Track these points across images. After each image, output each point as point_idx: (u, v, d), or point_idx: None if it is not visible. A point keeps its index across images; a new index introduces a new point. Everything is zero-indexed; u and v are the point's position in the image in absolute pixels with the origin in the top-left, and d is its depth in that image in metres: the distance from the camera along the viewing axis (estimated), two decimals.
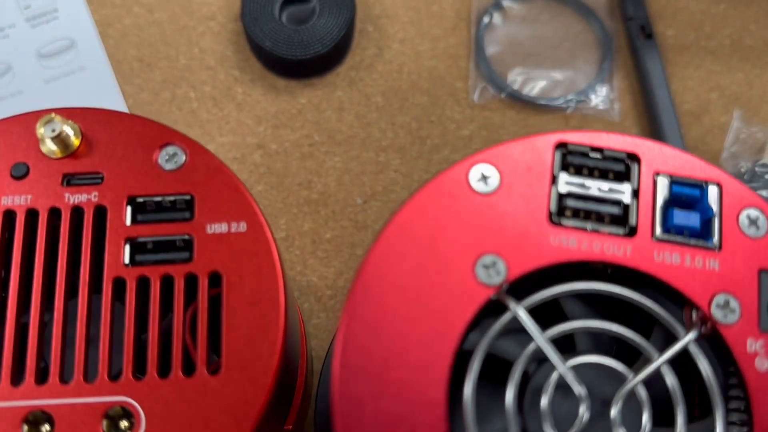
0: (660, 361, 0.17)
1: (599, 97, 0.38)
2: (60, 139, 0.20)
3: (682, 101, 0.39)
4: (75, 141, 0.21)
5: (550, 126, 0.38)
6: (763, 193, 0.35)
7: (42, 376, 0.19)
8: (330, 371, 0.27)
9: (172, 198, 0.20)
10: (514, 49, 0.39)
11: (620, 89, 0.39)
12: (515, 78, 0.39)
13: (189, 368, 0.19)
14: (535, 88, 0.39)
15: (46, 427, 0.19)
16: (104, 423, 0.18)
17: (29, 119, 0.21)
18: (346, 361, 0.17)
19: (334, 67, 0.39)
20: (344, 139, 0.38)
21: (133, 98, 0.38)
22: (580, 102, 0.38)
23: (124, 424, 0.19)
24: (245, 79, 0.39)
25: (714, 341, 0.17)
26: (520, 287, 0.18)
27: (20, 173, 0.21)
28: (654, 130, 0.37)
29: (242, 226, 0.20)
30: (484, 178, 0.18)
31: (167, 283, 0.20)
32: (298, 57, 0.37)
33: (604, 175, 0.18)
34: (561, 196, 0.18)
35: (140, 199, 0.20)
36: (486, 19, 0.40)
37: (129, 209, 0.20)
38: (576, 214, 0.18)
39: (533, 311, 0.17)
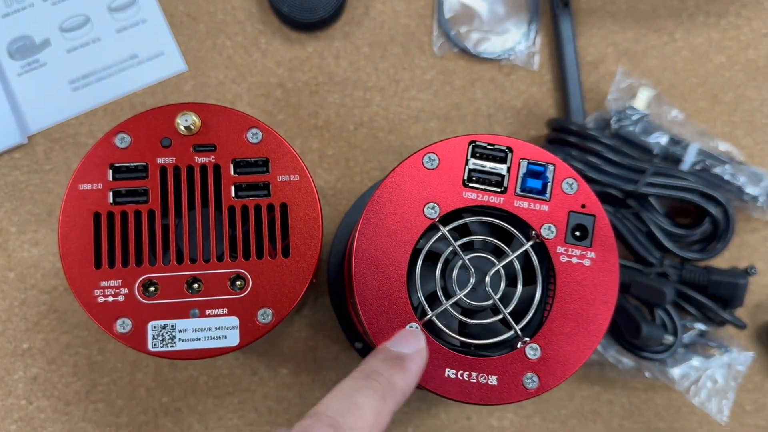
0: (512, 256, 0.34)
1: (524, 52, 0.53)
2: (189, 125, 0.35)
3: (585, 54, 0.54)
4: (198, 125, 0.36)
5: (488, 73, 0.53)
6: (630, 128, 0.50)
7: (192, 259, 0.35)
8: (339, 249, 0.44)
9: (256, 159, 0.36)
10: (466, 11, 0.53)
11: (541, 45, 0.53)
12: (465, 35, 0.53)
13: (272, 254, 0.36)
14: (479, 43, 0.53)
15: (197, 285, 0.35)
16: (228, 282, 0.35)
17: (168, 111, 0.36)
18: (358, 255, 0.34)
19: (332, 23, 0.52)
20: (340, 80, 0.52)
21: (184, 46, 0.51)
22: (511, 55, 0.53)
23: (239, 283, 0.36)
24: (267, 32, 0.52)
25: (541, 248, 0.35)
26: (446, 219, 0.34)
27: (167, 144, 0.36)
28: (561, 77, 0.52)
29: (296, 177, 0.36)
30: (431, 160, 0.34)
31: (257, 208, 0.36)
32: (308, 19, 0.50)
33: (493, 159, 0.34)
34: (470, 171, 0.34)
35: (239, 161, 0.36)
36: None
37: (232, 166, 0.36)
38: (477, 180, 0.34)
39: (455, 230, 0.34)
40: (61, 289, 0.48)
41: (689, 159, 0.50)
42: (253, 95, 0.51)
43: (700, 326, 0.49)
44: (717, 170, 0.50)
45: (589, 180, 0.48)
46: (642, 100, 0.50)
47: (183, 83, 0.51)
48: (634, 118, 0.50)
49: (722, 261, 0.52)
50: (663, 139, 0.50)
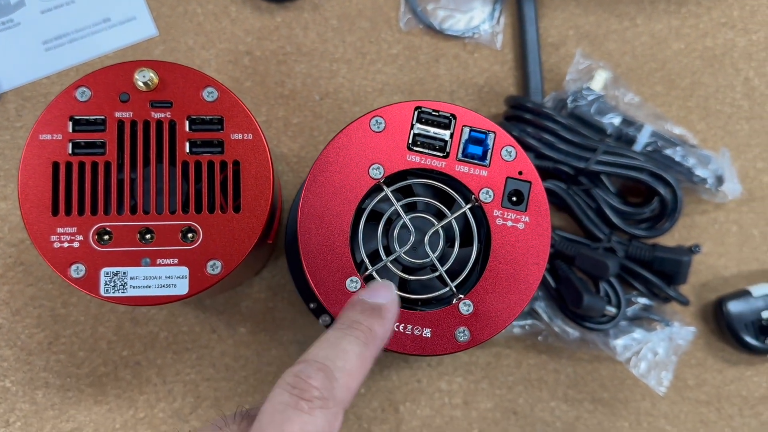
0: (450, 217, 0.36)
1: (488, 31, 0.54)
2: (146, 81, 0.37)
3: (547, 35, 0.55)
4: (155, 82, 0.37)
5: (452, 50, 0.54)
6: (585, 108, 0.52)
7: (145, 210, 0.37)
8: (296, 213, 0.46)
9: (211, 117, 0.37)
10: None
11: (504, 25, 0.55)
12: (431, 12, 0.54)
13: (223, 209, 0.37)
14: (445, 20, 0.54)
15: (149, 236, 0.37)
16: (180, 234, 0.37)
17: (127, 67, 0.37)
18: (304, 210, 0.35)
19: None
20: (308, 51, 0.53)
21: (156, 11, 0.52)
22: (475, 33, 0.54)
23: (190, 236, 0.37)
24: (237, 0, 0.53)
25: (479, 211, 0.36)
26: (390, 181, 0.36)
27: (125, 99, 0.37)
28: (522, 57, 0.54)
29: (250, 136, 0.38)
30: (377, 123, 0.36)
31: (210, 164, 0.37)
32: None
33: (437, 125, 0.36)
34: (414, 135, 0.36)
35: (194, 118, 0.37)
36: None
37: (188, 123, 0.37)
38: (421, 144, 0.36)
39: (399, 191, 0.36)
40: (27, 243, 0.50)
41: (642, 140, 0.52)
42: (222, 62, 0.52)
43: (644, 301, 0.51)
44: (668, 152, 0.52)
45: (543, 157, 0.50)
46: (598, 82, 0.52)
47: (153, 47, 0.52)
48: (590, 98, 0.51)
49: (671, 240, 0.54)
50: (616, 120, 0.52)
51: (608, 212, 0.50)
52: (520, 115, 0.50)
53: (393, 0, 0.54)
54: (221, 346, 0.50)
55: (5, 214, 0.50)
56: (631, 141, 0.52)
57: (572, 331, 0.50)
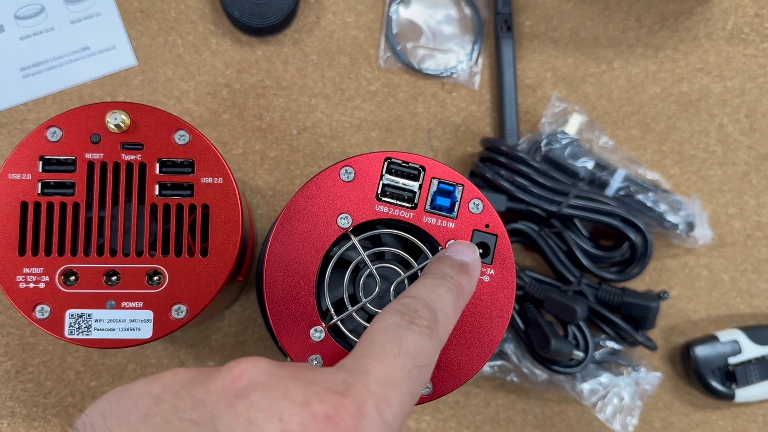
0: (417, 267, 0.36)
1: (466, 71, 0.55)
2: (118, 123, 0.37)
3: (525, 77, 0.56)
4: (127, 124, 0.37)
5: (431, 89, 0.55)
6: (559, 151, 0.53)
7: (112, 251, 0.37)
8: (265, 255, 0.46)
9: (182, 160, 0.37)
10: (413, 28, 0.55)
11: (483, 66, 0.55)
12: (411, 51, 0.55)
13: (190, 252, 0.37)
14: (424, 60, 0.55)
15: (115, 278, 0.37)
16: (146, 277, 0.37)
17: (100, 108, 0.37)
18: (270, 258, 0.35)
19: (283, 29, 0.54)
20: (287, 85, 0.54)
21: (136, 41, 0.53)
22: (454, 73, 0.55)
23: (156, 278, 0.37)
24: (218, 33, 0.53)
25: None
26: (358, 230, 0.36)
27: (96, 140, 0.37)
28: (499, 98, 0.55)
29: (220, 180, 0.38)
30: (347, 173, 0.36)
31: (179, 207, 0.37)
32: (258, 25, 0.52)
33: (406, 176, 0.36)
34: (384, 186, 0.36)
35: (165, 160, 0.37)
36: (395, 2, 0.55)
37: (158, 165, 0.37)
38: (390, 195, 0.36)
39: (368, 240, 0.36)
40: None
41: (615, 184, 0.52)
42: (200, 93, 0.52)
43: (612, 345, 0.52)
44: (640, 197, 0.53)
45: (516, 199, 0.50)
46: (573, 125, 0.53)
47: (132, 77, 0.52)
48: (564, 142, 0.52)
49: (642, 284, 0.54)
50: (590, 164, 0.52)
51: (579, 255, 0.51)
52: (495, 158, 0.51)
53: (373, 38, 0.55)
54: None
55: None
56: (603, 185, 0.53)
57: (540, 373, 0.51)
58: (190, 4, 0.53)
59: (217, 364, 0.50)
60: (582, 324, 0.50)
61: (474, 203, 0.36)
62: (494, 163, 0.51)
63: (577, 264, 0.51)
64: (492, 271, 0.36)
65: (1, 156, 0.51)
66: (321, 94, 0.54)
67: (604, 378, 0.50)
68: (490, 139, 0.52)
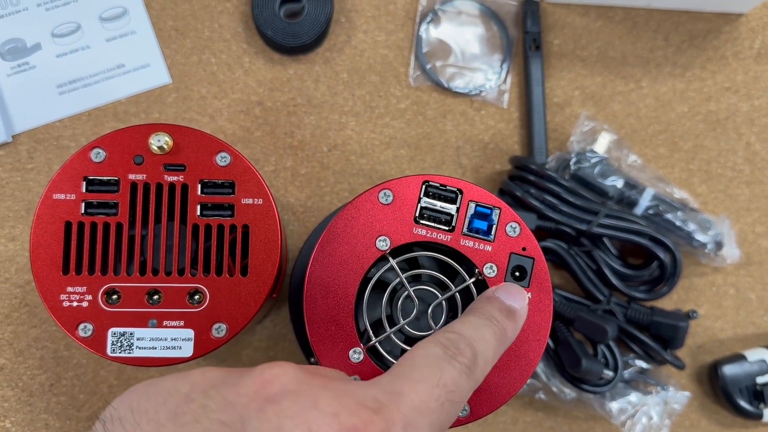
0: (454, 290, 0.36)
1: (495, 89, 0.55)
2: (162, 145, 0.37)
3: (553, 95, 0.56)
4: (170, 146, 0.38)
5: (460, 107, 0.55)
6: (589, 170, 0.53)
7: (154, 270, 0.38)
8: (301, 265, 0.47)
9: (223, 182, 0.38)
10: (443, 46, 0.55)
11: (511, 84, 0.56)
12: (440, 69, 0.55)
13: (230, 272, 0.38)
14: (453, 78, 0.55)
15: (157, 296, 0.38)
16: (187, 296, 0.38)
17: (143, 130, 0.38)
18: (310, 280, 0.36)
19: (314, 48, 0.54)
20: (318, 103, 0.54)
21: (170, 59, 0.53)
22: (482, 92, 0.55)
23: (197, 297, 0.38)
24: (251, 51, 0.54)
25: (483, 284, 0.37)
26: (396, 252, 0.37)
27: (139, 161, 0.38)
28: (528, 116, 0.55)
29: (260, 201, 0.38)
30: (386, 196, 0.36)
31: (220, 228, 0.38)
32: (290, 44, 0.52)
33: (444, 199, 0.37)
34: (422, 209, 0.37)
35: (207, 181, 0.38)
36: (425, 21, 0.55)
37: (200, 186, 0.38)
38: (428, 218, 0.37)
39: (405, 262, 0.37)
40: (33, 285, 0.50)
41: (643, 203, 0.53)
42: (233, 111, 0.53)
43: (641, 364, 0.52)
44: (669, 216, 0.53)
45: (545, 218, 0.50)
46: (602, 144, 0.53)
47: (166, 95, 0.53)
48: (593, 160, 0.52)
49: (670, 302, 0.54)
50: (619, 183, 0.52)
51: (608, 274, 0.51)
52: (524, 176, 0.51)
53: (403, 56, 0.55)
54: None
55: (13, 255, 0.51)
56: (632, 204, 0.53)
57: (569, 391, 0.51)
58: (223, 23, 0.54)
59: None
60: (611, 343, 0.50)
61: (511, 226, 0.37)
62: (523, 181, 0.51)
63: (606, 283, 0.51)
64: (529, 295, 0.36)
65: (36, 171, 0.51)
66: (351, 111, 0.54)
67: (633, 397, 0.51)
68: (519, 158, 0.52)
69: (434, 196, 0.37)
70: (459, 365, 0.28)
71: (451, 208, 0.37)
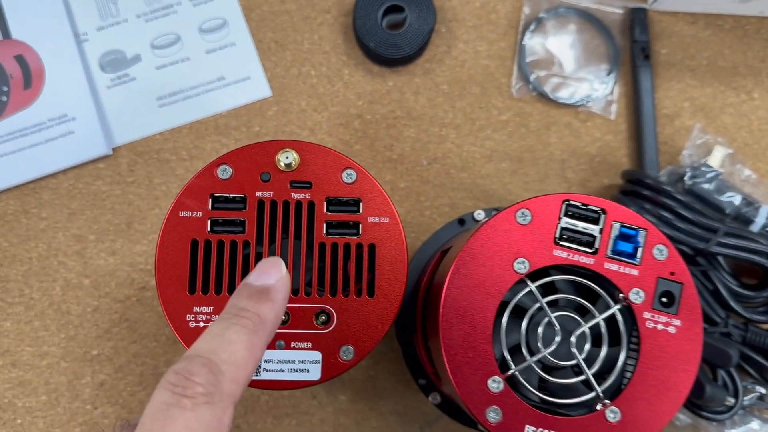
0: (599, 317, 0.35)
1: (601, 100, 0.53)
2: (289, 162, 0.36)
3: (662, 106, 0.54)
4: (298, 163, 0.37)
5: (564, 118, 0.53)
6: (704, 185, 0.51)
7: None
8: (409, 286, 0.45)
9: (349, 199, 0.37)
10: (547, 57, 0.54)
11: (618, 94, 0.54)
12: (543, 79, 0.53)
13: (358, 293, 0.37)
14: (557, 88, 0.53)
15: (285, 317, 0.36)
16: (314, 317, 0.36)
17: (269, 146, 0.37)
18: (446, 303, 0.34)
19: (414, 59, 0.53)
20: (418, 115, 0.53)
21: (270, 71, 0.53)
22: (588, 102, 0.53)
23: (323, 318, 0.36)
24: (350, 63, 0.53)
25: (628, 310, 0.35)
26: (535, 275, 0.35)
27: (266, 179, 0.37)
28: (637, 128, 0.53)
29: (386, 219, 0.37)
30: (524, 216, 0.35)
31: (346, 247, 0.37)
32: (393, 56, 0.51)
33: (585, 219, 0.35)
34: (562, 229, 0.35)
35: (332, 199, 0.37)
36: (529, 30, 0.54)
37: (326, 204, 0.37)
38: (569, 239, 0.35)
39: (541, 286, 0.35)
40: (133, 299, 0.50)
41: (760, 221, 0.50)
42: (333, 124, 0.52)
43: (760, 389, 0.49)
44: None
45: None
46: (717, 158, 0.51)
47: (266, 108, 0.52)
48: (709, 175, 0.50)
49: None
50: (736, 199, 0.50)
51: (726, 295, 0.48)
52: (638, 191, 0.49)
53: (504, 66, 0.53)
54: (321, 413, 0.49)
55: (113, 269, 0.50)
56: (747, 221, 0.50)
57: (684, 418, 0.48)
58: (323, 35, 0.53)
59: (348, 398, 0.50)
60: (731, 368, 0.47)
61: (658, 249, 0.35)
62: (637, 196, 0.49)
63: (723, 304, 0.49)
64: (678, 322, 0.34)
65: (137, 185, 0.51)
66: (451, 124, 0.53)
67: (755, 424, 0.48)
68: (632, 171, 0.50)
69: (575, 216, 0.35)
70: (191, 401, 0.25)
71: (594, 229, 0.35)
